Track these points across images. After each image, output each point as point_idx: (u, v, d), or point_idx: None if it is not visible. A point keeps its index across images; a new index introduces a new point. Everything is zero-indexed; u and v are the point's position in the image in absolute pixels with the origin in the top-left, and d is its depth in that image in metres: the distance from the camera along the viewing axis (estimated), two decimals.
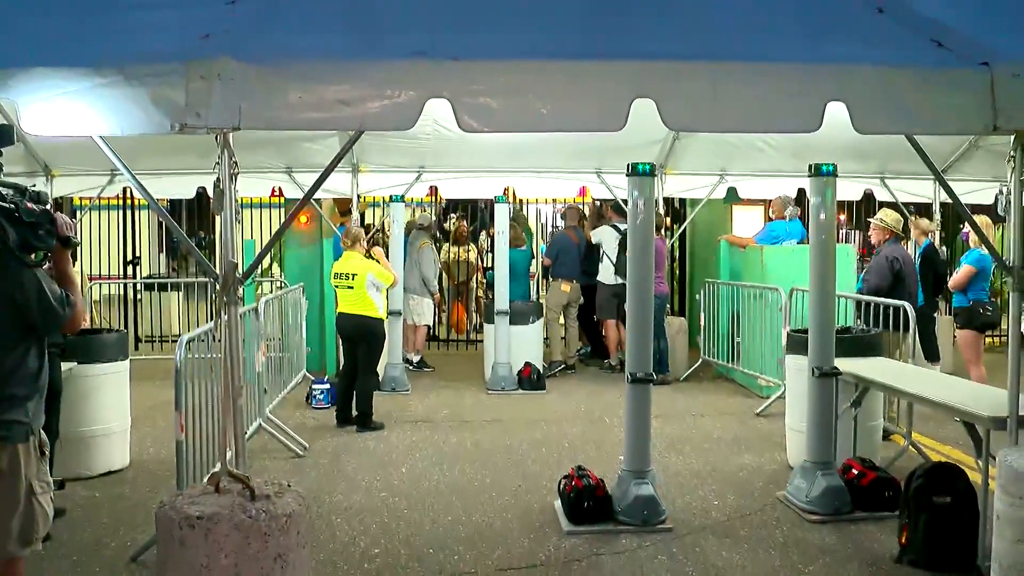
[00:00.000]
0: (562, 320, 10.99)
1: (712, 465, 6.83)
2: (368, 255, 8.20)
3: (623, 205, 9.93)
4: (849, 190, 10.67)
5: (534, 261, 12.02)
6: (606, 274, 10.46)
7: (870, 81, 3.70)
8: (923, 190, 10.76)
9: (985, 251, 7.40)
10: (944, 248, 11.48)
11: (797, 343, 6.50)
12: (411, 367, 10.58)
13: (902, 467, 5.90)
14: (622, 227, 10.28)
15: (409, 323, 10.65)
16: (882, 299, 7.45)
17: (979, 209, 7.88)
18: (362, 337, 8.02)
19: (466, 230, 13.18)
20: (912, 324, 7.04)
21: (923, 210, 11.25)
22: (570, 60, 3.64)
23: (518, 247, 10.73)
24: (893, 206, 9.98)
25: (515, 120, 3.67)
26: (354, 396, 7.98)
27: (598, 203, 11.72)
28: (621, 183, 9.70)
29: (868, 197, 11.15)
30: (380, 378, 8.79)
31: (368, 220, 12.01)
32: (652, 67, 3.64)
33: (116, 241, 13.42)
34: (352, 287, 7.97)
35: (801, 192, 10.20)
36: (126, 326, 12.65)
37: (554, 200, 14.12)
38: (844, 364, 5.93)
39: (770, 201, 10.65)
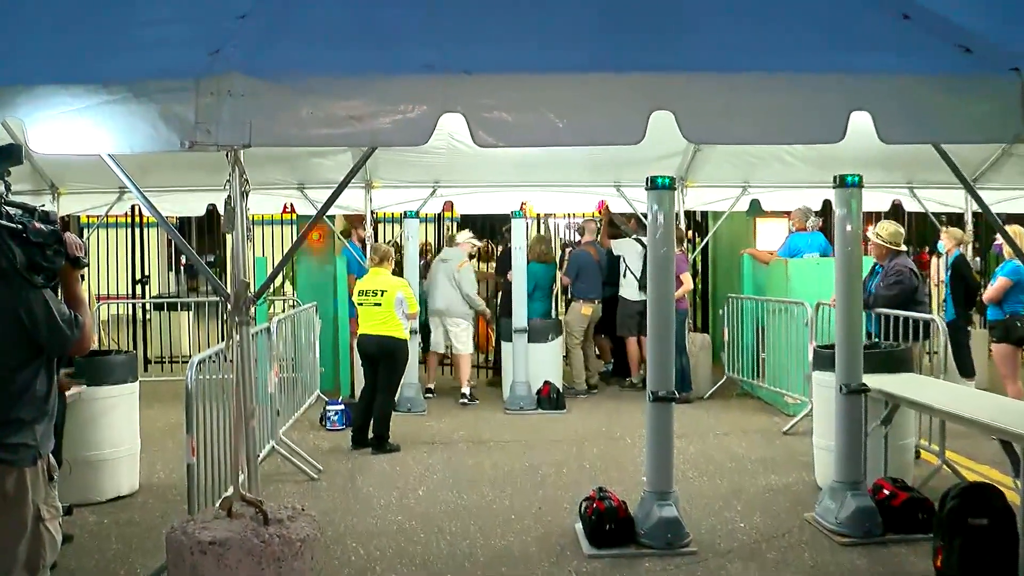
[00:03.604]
0: (578, 339, 10.66)
1: (737, 486, 6.78)
2: (397, 273, 8.17)
3: (643, 219, 9.93)
4: (876, 201, 10.63)
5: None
6: (629, 290, 10.43)
7: (894, 89, 3.69)
8: (954, 200, 10.70)
9: (1021, 263, 7.33)
10: (978, 259, 11.39)
11: (824, 359, 6.46)
12: (467, 401, 9.97)
13: (936, 487, 5.83)
14: (646, 241, 10.25)
15: (439, 351, 10.33)
16: (911, 313, 7.38)
17: (1012, 219, 7.81)
18: (386, 358, 8.00)
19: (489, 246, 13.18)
20: (943, 338, 6.97)
21: (955, 220, 11.17)
22: (586, 72, 3.65)
23: (545, 262, 10.71)
24: (895, 216, 9.88)
25: (531, 134, 3.68)
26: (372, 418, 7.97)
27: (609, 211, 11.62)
28: (641, 196, 9.70)
29: (896, 208, 11.09)
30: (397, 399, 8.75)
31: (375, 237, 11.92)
32: (670, 79, 3.65)
33: (124, 260, 13.52)
34: (380, 304, 7.96)
35: (827, 203, 10.16)
36: (135, 347, 12.63)
37: (566, 215, 14.09)
38: (873, 380, 5.89)
39: (791, 212, 10.59)
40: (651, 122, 3.57)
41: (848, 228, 5.72)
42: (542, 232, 13.60)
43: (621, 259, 10.58)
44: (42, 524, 3.38)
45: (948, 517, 4.78)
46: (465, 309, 10.15)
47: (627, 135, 3.61)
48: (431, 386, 10.41)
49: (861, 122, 3.64)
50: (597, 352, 11.40)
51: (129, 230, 13.53)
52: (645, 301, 5.87)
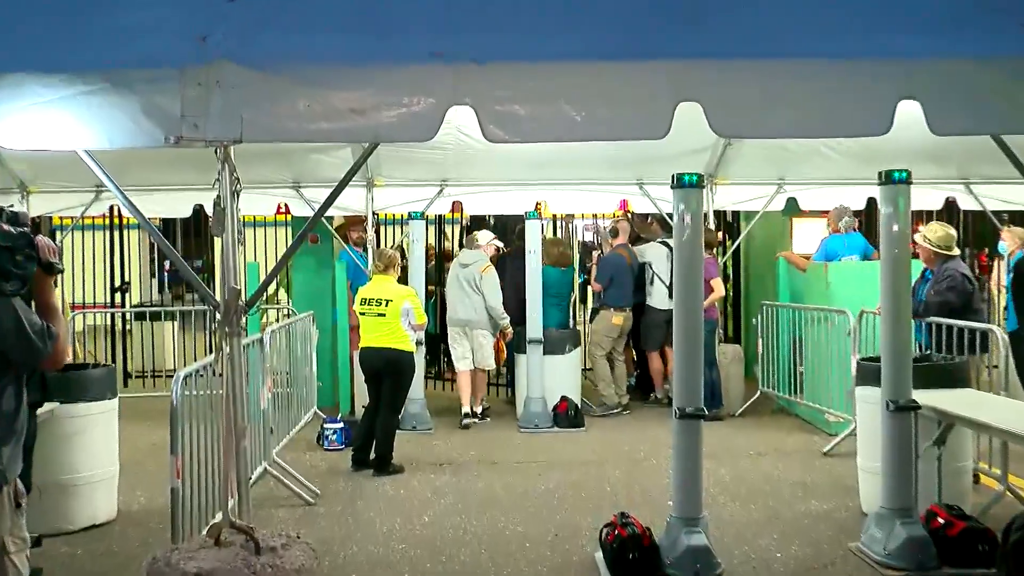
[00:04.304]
0: (603, 351, 10.56)
1: (773, 511, 6.76)
2: (403, 281, 8.13)
3: (668, 220, 9.91)
4: (927, 198, 10.57)
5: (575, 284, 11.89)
6: (659, 298, 10.36)
7: (946, 75, 3.68)
8: (1016, 196, 10.61)
9: None
10: None
11: (869, 373, 6.43)
12: (478, 419, 9.90)
13: (997, 516, 5.79)
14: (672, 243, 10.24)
15: (464, 369, 9.99)
16: (967, 322, 7.32)
17: None
18: (391, 373, 8.00)
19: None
20: (1003, 350, 6.93)
21: (1017, 219, 11.08)
22: (605, 61, 3.66)
23: (563, 266, 10.69)
24: (947, 218, 9.80)
25: (546, 129, 3.69)
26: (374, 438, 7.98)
27: (629, 215, 11.58)
28: (666, 195, 9.69)
29: (950, 206, 11.03)
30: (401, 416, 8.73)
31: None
32: (697, 67, 3.66)
33: (102, 265, 13.56)
34: (384, 314, 7.96)
35: (871, 202, 10.11)
36: (114, 360, 12.67)
37: (583, 215, 14.04)
38: (924, 397, 5.85)
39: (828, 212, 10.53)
40: (677, 114, 3.58)
41: (895, 228, 5.69)
42: (559, 234, 13.60)
43: (648, 265, 10.55)
44: (7, 557, 3.35)
45: (1014, 550, 4.71)
46: (487, 320, 9.99)
47: (651, 129, 3.62)
48: (478, 409, 10.01)
49: (910, 112, 3.63)
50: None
51: (107, 233, 13.55)
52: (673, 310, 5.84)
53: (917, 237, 7.83)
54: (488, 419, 10.03)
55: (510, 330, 10.08)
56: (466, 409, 9.89)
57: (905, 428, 5.71)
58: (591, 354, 10.65)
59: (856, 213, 10.33)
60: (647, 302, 10.53)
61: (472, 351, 9.99)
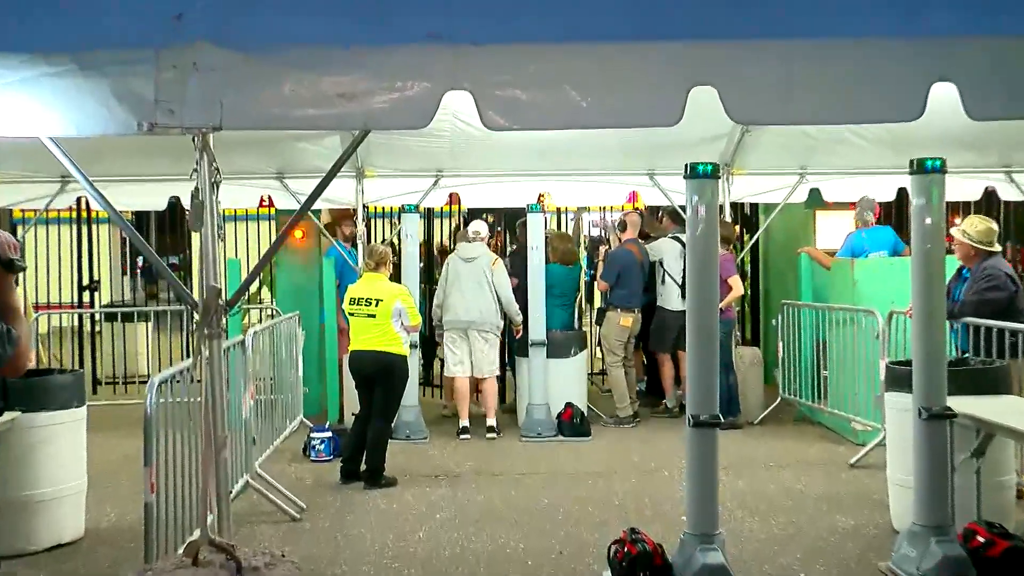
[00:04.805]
0: (619, 357, 10.43)
1: (796, 528, 6.77)
2: (395, 279, 8.11)
3: (681, 212, 9.91)
4: (965, 188, 10.56)
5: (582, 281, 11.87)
6: (671, 299, 10.34)
7: (985, 54, 3.68)
8: None
9: None
10: None
11: (899, 378, 6.43)
12: (495, 434, 9.72)
13: None
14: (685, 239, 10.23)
15: (462, 375, 9.82)
16: (1008, 323, 7.30)
17: None
18: (383, 378, 8.00)
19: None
20: None
21: None
22: (614, 42, 3.66)
23: (567, 263, 10.68)
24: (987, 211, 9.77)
25: (549, 115, 3.69)
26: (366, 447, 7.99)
27: (640, 211, 11.57)
28: (679, 186, 9.69)
29: (989, 196, 11.02)
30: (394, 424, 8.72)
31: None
32: (712, 49, 3.66)
33: (69, 262, 13.56)
34: (374, 315, 7.97)
35: (901, 192, 10.11)
36: (82, 365, 12.68)
37: (589, 209, 14.01)
38: (960, 404, 5.84)
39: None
40: (690, 99, 3.58)
41: (928, 221, 5.68)
42: (563, 228, 13.60)
43: (659, 263, 10.52)
44: None
45: None
46: (498, 320, 9.91)
47: (662, 115, 3.62)
48: (492, 422, 9.84)
49: (944, 95, 3.62)
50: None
51: (75, 227, 13.56)
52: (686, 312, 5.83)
53: (954, 231, 7.81)
54: (499, 434, 9.80)
55: (521, 327, 10.06)
56: (464, 423, 9.79)
57: (939, 438, 5.70)
58: (605, 363, 10.61)
59: (886, 205, 10.32)
60: (658, 303, 10.49)
61: (470, 356, 9.85)
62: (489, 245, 10.55)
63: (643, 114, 3.69)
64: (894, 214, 12.10)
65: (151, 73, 3.51)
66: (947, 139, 7.32)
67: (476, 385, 10.14)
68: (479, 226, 10.46)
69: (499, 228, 13.43)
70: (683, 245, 10.16)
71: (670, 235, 10.67)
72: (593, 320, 12.35)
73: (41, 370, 7.07)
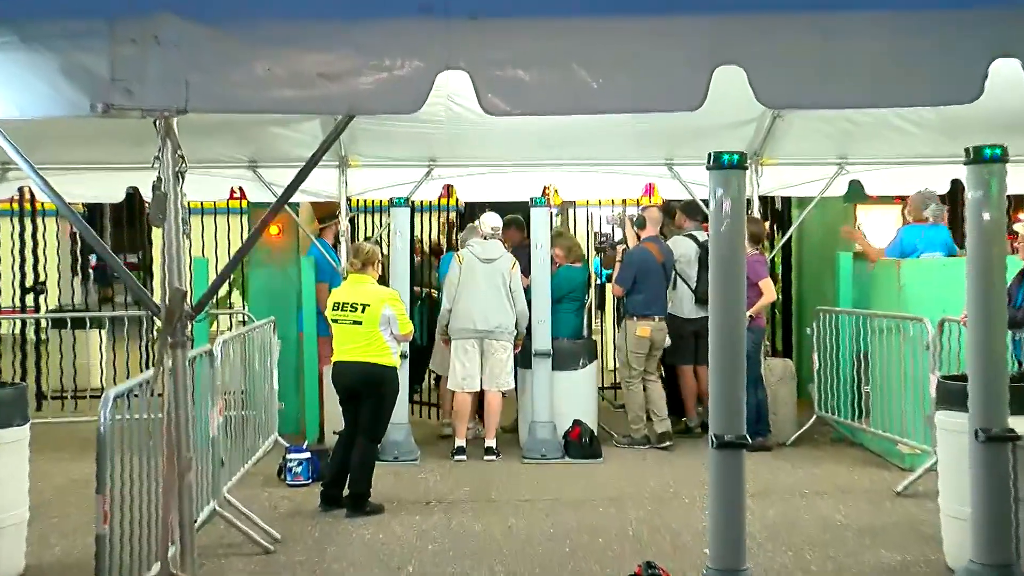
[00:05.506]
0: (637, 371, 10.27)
1: (836, 563, 6.77)
2: (383, 281, 8.09)
3: (702, 206, 9.92)
4: None
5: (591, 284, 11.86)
6: (682, 304, 10.40)
7: None
8: None
9: None
10: None
11: (952, 395, 6.43)
12: (494, 456, 9.76)
13: None
14: (702, 238, 10.26)
15: (464, 389, 9.84)
16: None
17: None
18: (369, 393, 8.00)
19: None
20: None
21: None
22: (628, 16, 3.66)
23: (574, 264, 10.66)
24: None
25: (555, 98, 3.70)
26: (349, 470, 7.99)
27: (659, 206, 11.56)
28: (701, 178, 9.67)
29: None
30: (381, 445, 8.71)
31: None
32: (739, 23, 3.66)
33: (11, 261, 13.54)
34: (360, 322, 7.96)
35: (955, 185, 10.10)
36: (25, 378, 12.63)
37: (600, 202, 13.93)
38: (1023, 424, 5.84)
39: (907, 199, 10.52)
40: (714, 81, 3.58)
41: (986, 217, 5.66)
42: (570, 225, 13.61)
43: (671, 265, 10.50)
44: None
45: None
46: (514, 328, 9.89)
47: (683, 98, 3.63)
48: (492, 443, 9.88)
49: (1006, 74, 3.62)
50: None
51: (17, 220, 13.50)
52: (702, 319, 5.84)
53: (1017, 227, 7.83)
54: (499, 455, 9.83)
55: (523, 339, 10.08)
56: (460, 442, 9.81)
57: (1000, 463, 5.68)
58: (621, 377, 10.60)
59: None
60: (669, 309, 10.41)
61: (482, 368, 9.87)
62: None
63: (661, 97, 3.70)
64: (947, 211, 12.08)
65: (106, 47, 3.51)
66: (1009, 123, 7.30)
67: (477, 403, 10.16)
68: (495, 220, 10.28)
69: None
70: (699, 244, 10.19)
71: (684, 233, 10.67)
72: (603, 327, 12.33)
73: None
